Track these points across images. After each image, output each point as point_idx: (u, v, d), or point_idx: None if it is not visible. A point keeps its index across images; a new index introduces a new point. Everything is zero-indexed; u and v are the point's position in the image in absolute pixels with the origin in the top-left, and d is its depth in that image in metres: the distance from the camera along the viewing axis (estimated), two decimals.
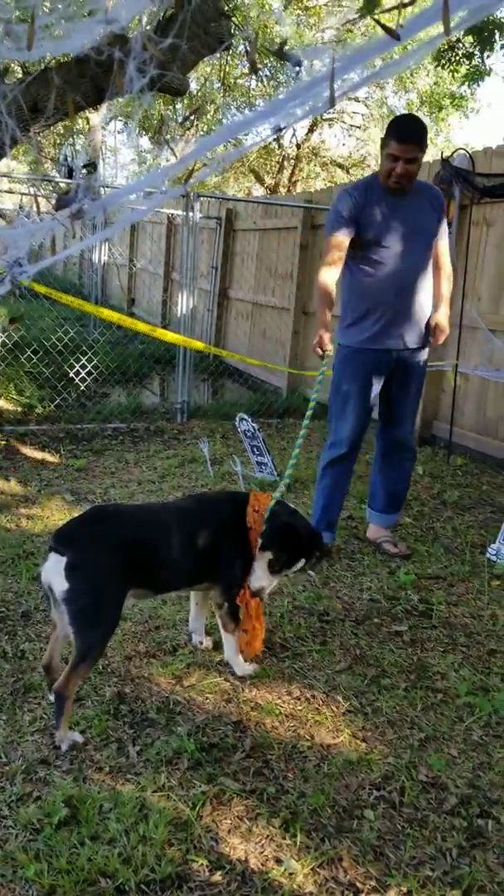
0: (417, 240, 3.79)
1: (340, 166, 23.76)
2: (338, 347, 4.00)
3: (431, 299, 3.94)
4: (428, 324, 3.92)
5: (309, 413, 3.50)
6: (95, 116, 17.19)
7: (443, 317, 3.87)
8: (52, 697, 2.46)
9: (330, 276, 3.78)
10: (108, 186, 7.24)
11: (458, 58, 9.89)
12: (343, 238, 3.75)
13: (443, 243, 3.92)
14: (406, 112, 4.24)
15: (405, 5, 0.81)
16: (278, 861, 2.00)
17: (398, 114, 3.88)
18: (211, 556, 2.75)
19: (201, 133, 22.07)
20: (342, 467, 4.07)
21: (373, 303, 3.85)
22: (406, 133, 3.58)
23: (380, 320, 3.85)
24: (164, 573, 2.66)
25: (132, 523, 2.67)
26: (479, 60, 9.67)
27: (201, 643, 3.05)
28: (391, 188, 3.71)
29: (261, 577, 2.82)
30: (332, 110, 21.51)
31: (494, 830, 2.16)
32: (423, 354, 4.01)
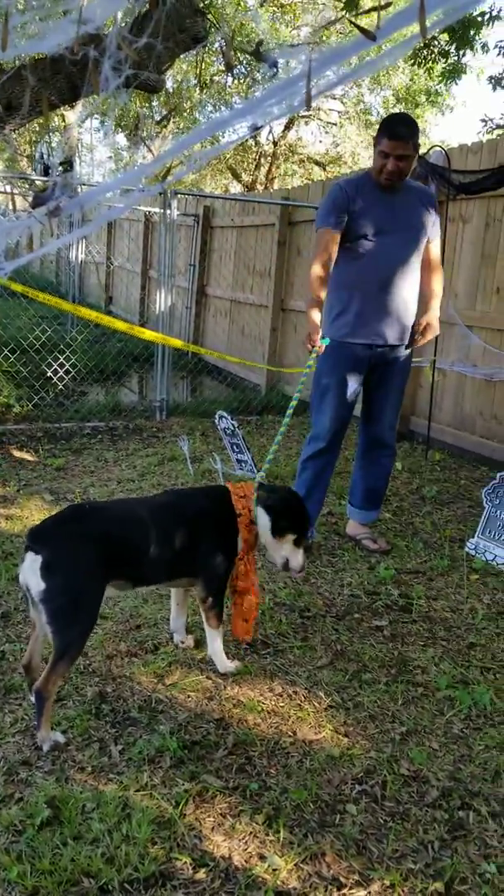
0: (404, 237, 3.81)
1: (317, 163, 23.79)
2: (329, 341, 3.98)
3: (416, 298, 3.95)
4: (415, 325, 3.93)
5: (290, 411, 3.52)
6: (71, 114, 17.08)
7: (433, 316, 3.88)
8: (32, 698, 2.45)
9: (320, 269, 3.78)
10: (84, 184, 7.20)
11: (433, 56, 9.94)
12: (332, 230, 3.77)
13: (434, 244, 3.94)
14: (396, 112, 4.27)
15: (382, 7, 0.82)
16: (262, 857, 2.01)
17: (392, 112, 3.93)
18: (191, 550, 2.75)
19: (178, 130, 22.00)
20: (321, 462, 4.05)
21: (355, 295, 3.87)
22: (397, 131, 3.62)
23: (360, 314, 3.86)
24: (142, 567, 2.65)
25: (109, 519, 2.65)
26: (456, 58, 9.73)
27: (183, 642, 3.05)
28: (382, 184, 3.75)
29: (289, 552, 2.91)
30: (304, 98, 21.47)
31: (475, 822, 2.18)
32: (405, 352, 4.00)
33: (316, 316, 3.75)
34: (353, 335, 3.88)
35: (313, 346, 3.70)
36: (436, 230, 3.93)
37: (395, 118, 3.74)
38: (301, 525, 2.94)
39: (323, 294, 3.79)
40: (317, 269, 3.77)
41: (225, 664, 2.87)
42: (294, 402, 3.55)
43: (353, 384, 3.96)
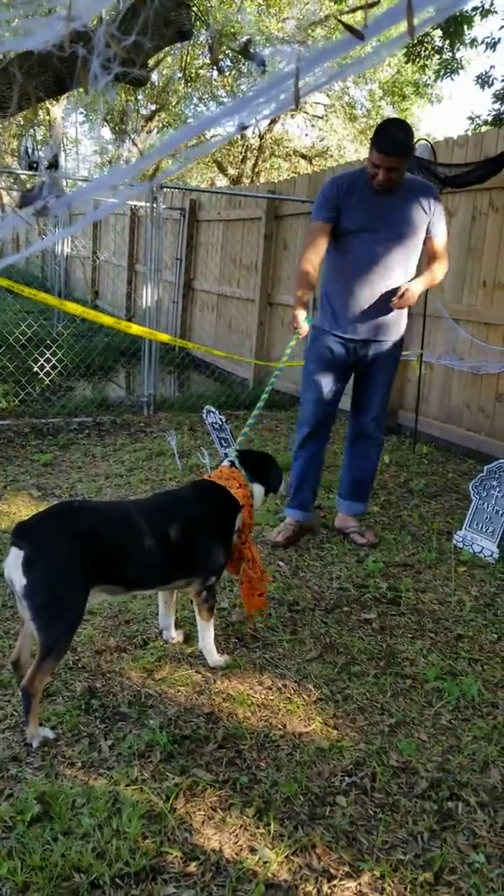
0: (389, 237, 3.82)
1: (303, 157, 23.77)
2: (311, 328, 4.07)
3: (401, 313, 3.99)
4: (395, 322, 3.98)
5: (265, 395, 3.56)
6: (57, 108, 16.98)
7: (415, 285, 3.82)
8: (31, 727, 2.42)
9: (309, 259, 3.84)
10: (70, 178, 7.16)
11: (427, 52, 9.95)
12: (323, 224, 3.83)
13: (437, 239, 3.92)
14: (389, 120, 4.21)
15: (370, 6, 0.82)
16: (252, 850, 2.02)
17: (386, 120, 3.90)
18: (188, 550, 2.73)
19: (164, 125, 21.89)
20: (309, 448, 4.12)
21: (337, 290, 3.95)
22: (388, 145, 3.59)
23: (340, 307, 3.95)
24: (135, 570, 2.62)
25: (98, 518, 2.61)
26: (450, 55, 9.75)
27: (173, 638, 3.05)
28: (375, 189, 3.76)
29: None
30: (293, 97, 21.44)
31: (464, 813, 2.19)
32: (389, 346, 4.02)
33: (301, 300, 3.80)
34: (333, 326, 3.98)
35: (296, 328, 3.75)
36: (438, 226, 3.91)
37: (388, 130, 3.65)
38: (278, 478, 3.22)
39: (307, 281, 3.84)
40: (302, 259, 3.86)
41: (215, 658, 2.88)
42: (269, 388, 3.61)
43: (335, 373, 4.03)
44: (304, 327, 3.75)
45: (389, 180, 3.68)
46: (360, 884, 1.92)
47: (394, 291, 3.87)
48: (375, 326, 3.93)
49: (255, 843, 2.04)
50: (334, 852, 2.02)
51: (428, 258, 3.96)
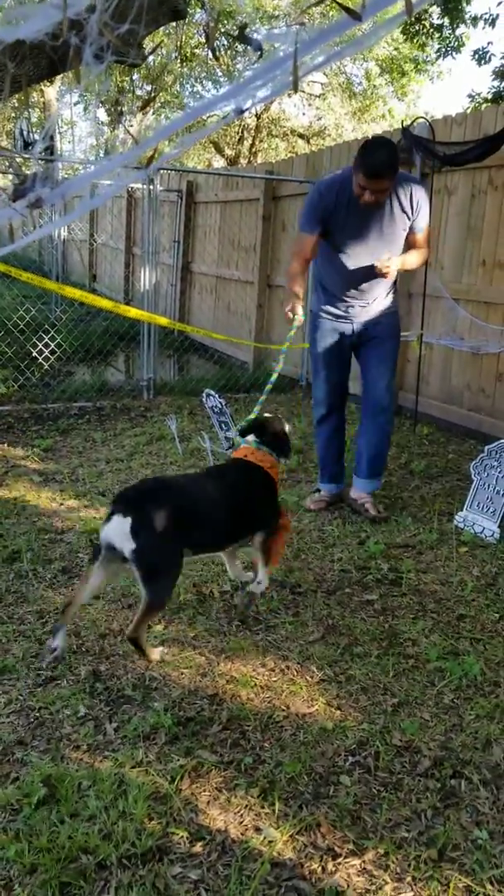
0: (377, 246, 3.91)
1: (301, 136, 23.57)
2: (310, 314, 4.29)
3: (388, 293, 4.13)
4: (387, 310, 4.16)
5: (269, 386, 3.81)
6: (51, 90, 16.82)
7: (394, 263, 3.85)
8: (54, 641, 2.76)
9: (297, 266, 4.02)
10: (67, 162, 7.10)
11: (426, 31, 9.83)
12: (310, 236, 3.95)
13: (419, 236, 3.98)
14: (373, 139, 4.24)
15: None
16: (257, 830, 2.03)
17: (374, 139, 3.91)
18: (251, 512, 3.17)
19: (160, 105, 21.68)
20: (326, 427, 4.39)
21: (332, 271, 4.10)
22: (374, 170, 3.60)
23: (335, 289, 4.13)
24: (211, 532, 3.00)
25: (181, 491, 2.97)
26: (450, 33, 9.64)
27: (249, 578, 3.37)
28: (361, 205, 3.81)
29: None
30: (291, 80, 21.23)
31: (467, 790, 2.21)
32: (385, 319, 4.15)
33: (294, 291, 3.94)
34: (328, 309, 4.17)
35: (294, 315, 3.90)
36: (421, 219, 3.95)
37: (374, 153, 3.62)
38: (289, 446, 3.47)
39: (299, 279, 3.99)
40: (292, 267, 4.02)
41: (265, 585, 3.29)
42: (275, 376, 3.81)
43: (339, 351, 4.23)
44: (300, 317, 3.91)
45: (377, 201, 3.74)
46: (364, 861, 1.94)
47: (384, 289, 4.06)
48: (368, 304, 4.08)
49: (260, 822, 2.06)
50: (339, 831, 2.04)
51: (408, 246, 4.05)
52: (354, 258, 3.95)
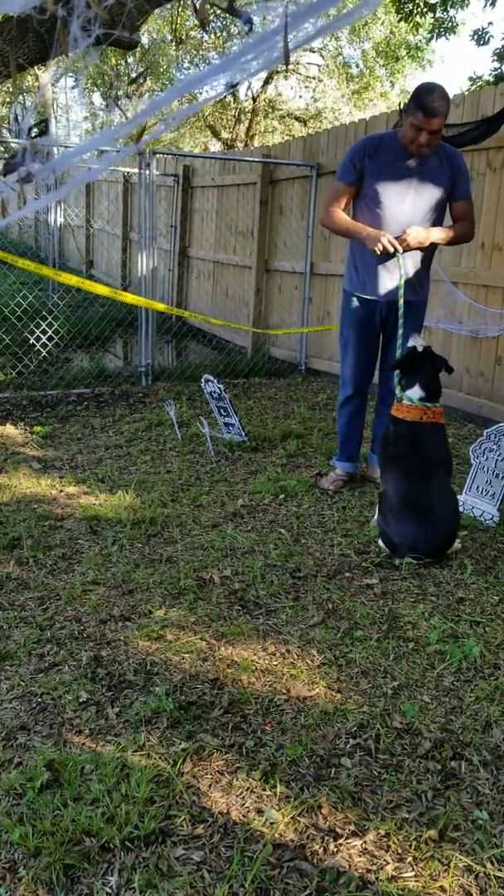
0: (417, 202, 3.94)
1: (298, 119, 23.41)
2: (343, 293, 4.35)
3: (423, 260, 4.11)
4: (420, 280, 4.16)
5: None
6: (45, 75, 16.67)
7: (413, 232, 3.88)
8: None
9: (331, 212, 4.08)
10: (61, 145, 7.05)
11: (420, 10, 9.72)
12: (345, 186, 4.02)
13: (461, 204, 4.01)
14: (429, 83, 4.31)
15: None
16: (259, 812, 2.05)
17: (426, 83, 3.99)
18: None
19: (154, 89, 21.51)
20: (351, 407, 4.44)
21: (362, 253, 4.12)
22: (434, 107, 3.67)
23: (367, 270, 4.13)
24: None
25: None
26: (444, 13, 9.54)
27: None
28: (412, 153, 3.85)
29: None
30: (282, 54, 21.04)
31: (467, 771, 2.23)
32: (414, 305, 4.15)
33: (364, 228, 3.96)
34: (362, 290, 4.19)
35: (395, 249, 3.88)
36: (463, 190, 4.00)
37: (432, 92, 3.72)
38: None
39: (346, 219, 4.05)
40: (337, 215, 4.08)
41: None
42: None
43: (369, 333, 4.27)
44: (397, 243, 3.88)
45: (431, 142, 3.79)
46: (365, 842, 1.96)
47: (417, 254, 4.04)
48: (398, 287, 4.05)
49: (262, 805, 2.07)
50: (340, 812, 2.06)
51: (454, 220, 4.08)
52: (389, 212, 3.94)
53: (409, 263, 4.04)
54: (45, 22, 3.36)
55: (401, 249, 3.88)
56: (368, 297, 4.16)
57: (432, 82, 3.85)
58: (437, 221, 4.04)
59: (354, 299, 4.22)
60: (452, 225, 4.06)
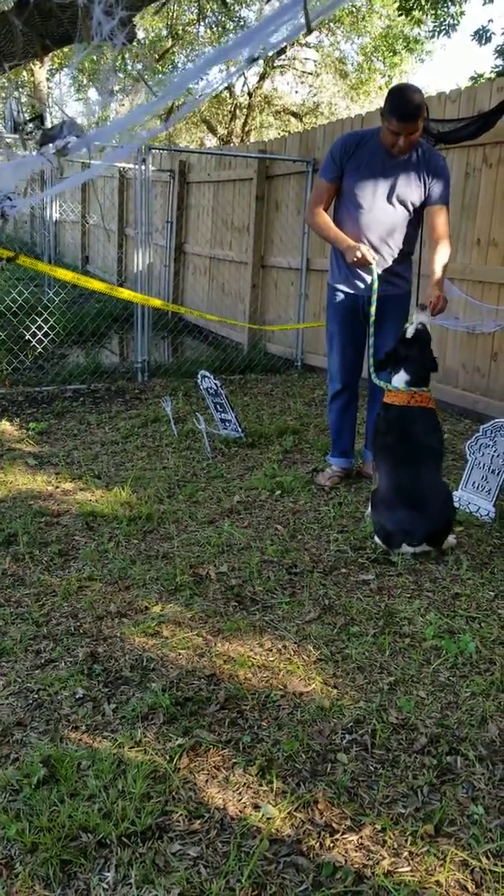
0: (395, 201, 3.97)
1: (294, 115, 23.37)
2: (327, 287, 4.38)
3: (403, 250, 4.12)
4: (400, 273, 4.18)
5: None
6: (41, 71, 16.63)
7: (439, 293, 3.92)
8: None
9: (318, 213, 4.10)
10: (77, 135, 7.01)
11: (422, 6, 9.71)
12: (327, 182, 4.04)
13: (440, 213, 3.99)
14: (400, 85, 4.33)
15: None
16: (256, 807, 2.05)
17: (395, 84, 4.06)
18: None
19: (157, 75, 21.41)
20: (341, 402, 4.46)
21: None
22: (407, 112, 3.68)
23: (344, 266, 4.15)
24: None
25: None
26: (444, 9, 9.54)
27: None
28: (392, 154, 3.87)
29: None
30: (282, 57, 21.04)
31: (463, 767, 2.23)
32: (397, 298, 4.19)
33: (345, 239, 3.99)
34: (343, 283, 4.22)
35: (368, 262, 3.93)
36: (442, 196, 3.98)
37: (402, 96, 3.72)
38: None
39: (331, 224, 4.06)
40: (311, 213, 4.13)
41: None
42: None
43: (354, 327, 4.28)
44: (373, 256, 3.94)
45: (410, 144, 3.80)
46: (361, 837, 1.97)
47: (395, 248, 4.07)
48: (383, 280, 4.07)
49: (259, 800, 2.08)
50: (336, 807, 2.06)
51: (429, 237, 4.07)
52: (367, 216, 3.98)
53: (387, 255, 4.07)
54: (66, 7, 3.36)
55: (374, 261, 3.95)
56: (351, 291, 4.20)
57: (404, 84, 3.86)
58: (413, 223, 4.06)
59: (338, 293, 4.25)
60: (434, 267, 3.99)
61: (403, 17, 11.12)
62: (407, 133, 3.73)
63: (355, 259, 3.91)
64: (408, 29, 16.59)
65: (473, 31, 10.84)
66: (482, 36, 10.72)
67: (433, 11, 10.29)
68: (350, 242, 3.96)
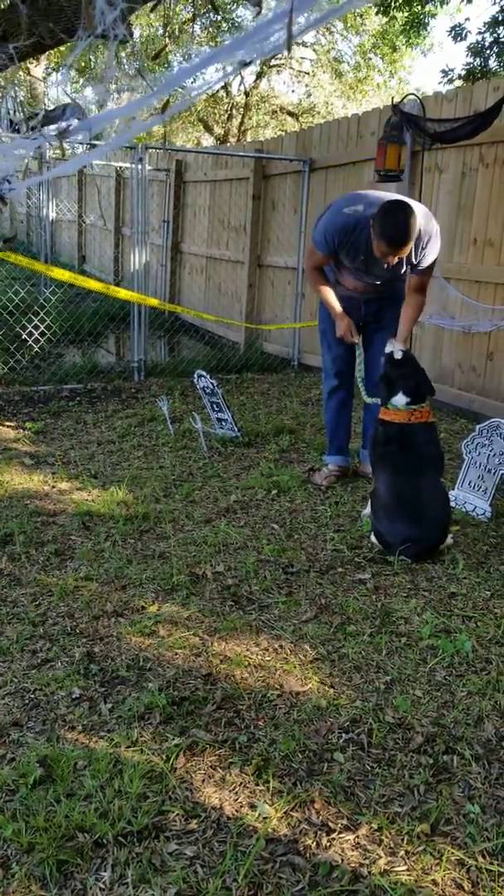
0: (381, 286, 4.10)
1: (290, 114, 23.36)
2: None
3: (399, 292, 4.20)
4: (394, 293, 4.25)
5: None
6: (37, 69, 16.60)
7: (401, 336, 4.01)
8: None
9: (313, 279, 4.25)
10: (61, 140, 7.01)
11: (398, 4, 9.75)
12: (322, 254, 4.06)
13: (418, 277, 3.97)
14: (391, 204, 4.15)
15: None
16: (252, 806, 2.05)
17: (387, 208, 3.63)
18: None
19: (153, 74, 21.40)
20: (336, 399, 4.51)
21: (341, 260, 4.11)
22: (398, 241, 3.57)
23: (343, 280, 4.22)
24: None
25: None
26: (419, 7, 9.57)
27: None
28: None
29: None
30: (279, 56, 21.02)
31: (459, 765, 2.24)
32: (391, 302, 4.22)
33: (335, 308, 4.15)
34: (336, 285, 4.25)
35: (355, 340, 4.16)
36: (429, 267, 3.94)
37: (395, 222, 3.56)
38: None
39: (322, 288, 4.19)
40: (313, 282, 4.26)
41: None
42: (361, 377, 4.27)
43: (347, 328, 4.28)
44: (358, 338, 4.19)
45: (401, 262, 3.80)
46: (357, 836, 1.97)
47: (386, 279, 4.09)
48: (376, 288, 4.14)
49: (255, 799, 2.08)
50: (332, 807, 2.06)
51: (407, 289, 4.08)
52: (365, 271, 4.02)
53: (380, 298, 4.22)
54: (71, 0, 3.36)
55: (359, 341, 4.15)
56: (344, 293, 4.22)
57: (395, 204, 3.62)
58: (398, 288, 4.17)
59: (334, 290, 4.26)
60: (407, 310, 4.03)
61: (379, 14, 11.18)
62: (398, 254, 3.64)
63: (340, 334, 4.14)
64: (408, 21, 16.57)
65: (450, 27, 10.90)
66: (458, 33, 10.78)
67: (408, 9, 10.34)
68: (338, 312, 4.14)
